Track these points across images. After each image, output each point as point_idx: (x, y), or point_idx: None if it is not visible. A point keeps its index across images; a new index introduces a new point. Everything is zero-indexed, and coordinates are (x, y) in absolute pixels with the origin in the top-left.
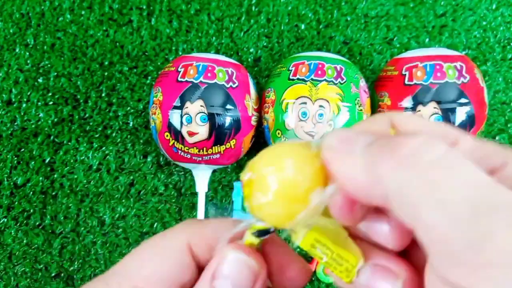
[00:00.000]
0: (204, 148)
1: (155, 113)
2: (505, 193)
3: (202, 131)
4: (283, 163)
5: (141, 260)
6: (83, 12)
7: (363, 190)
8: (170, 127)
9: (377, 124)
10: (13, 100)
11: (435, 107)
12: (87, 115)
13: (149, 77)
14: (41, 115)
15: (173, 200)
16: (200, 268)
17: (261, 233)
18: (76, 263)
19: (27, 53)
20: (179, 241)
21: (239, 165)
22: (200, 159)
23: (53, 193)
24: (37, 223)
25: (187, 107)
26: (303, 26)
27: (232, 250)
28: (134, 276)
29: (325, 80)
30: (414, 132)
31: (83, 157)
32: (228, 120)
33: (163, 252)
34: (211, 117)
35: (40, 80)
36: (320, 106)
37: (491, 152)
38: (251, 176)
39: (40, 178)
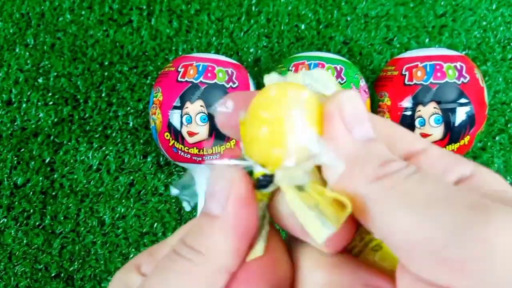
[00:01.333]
0: (204, 148)
1: (155, 113)
2: (477, 195)
3: (202, 131)
4: (276, 105)
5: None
6: (83, 12)
7: (342, 180)
8: (170, 127)
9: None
10: (13, 100)
11: (435, 107)
12: (87, 115)
13: (149, 77)
14: (41, 115)
15: (173, 200)
16: None
17: (262, 183)
18: (76, 263)
19: (27, 53)
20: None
21: None
22: (200, 159)
23: (53, 193)
24: (37, 223)
25: (187, 107)
26: (303, 26)
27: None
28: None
29: None
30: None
31: (83, 157)
32: None
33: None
34: (211, 117)
35: (40, 80)
36: None
37: (459, 162)
38: (246, 116)
39: (40, 178)
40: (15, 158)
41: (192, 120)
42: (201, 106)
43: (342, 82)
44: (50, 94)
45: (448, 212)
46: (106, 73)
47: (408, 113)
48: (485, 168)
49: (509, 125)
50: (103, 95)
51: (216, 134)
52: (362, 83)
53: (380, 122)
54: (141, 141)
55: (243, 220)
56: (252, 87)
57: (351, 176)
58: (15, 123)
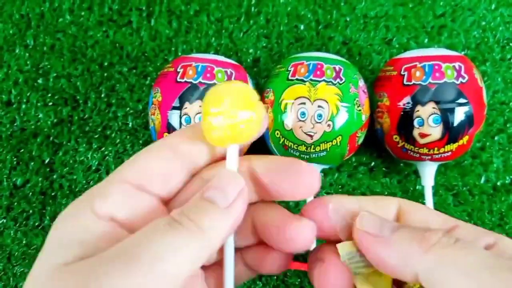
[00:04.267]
0: None
1: (154, 114)
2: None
3: None
4: (224, 101)
5: (133, 158)
6: (82, 13)
7: (395, 269)
8: (169, 127)
9: (386, 209)
10: (13, 101)
11: (433, 107)
12: (86, 115)
13: (149, 78)
14: (40, 115)
15: None
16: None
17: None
18: None
19: (27, 54)
20: (168, 142)
21: None
22: None
23: (53, 194)
24: (37, 224)
25: (186, 108)
26: (302, 27)
27: (223, 167)
28: (122, 170)
29: (324, 80)
30: (421, 222)
31: (83, 158)
32: None
33: (152, 149)
34: None
35: (39, 81)
36: (319, 106)
37: (485, 233)
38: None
39: (40, 179)
40: (15, 159)
41: (191, 120)
42: (200, 106)
43: (341, 82)
44: (49, 94)
45: (497, 277)
46: (105, 74)
47: (407, 113)
48: (505, 236)
49: (508, 125)
50: (102, 95)
51: None
52: (361, 83)
53: (415, 210)
54: (141, 141)
55: (239, 219)
56: (251, 87)
57: (402, 257)
58: (15, 124)
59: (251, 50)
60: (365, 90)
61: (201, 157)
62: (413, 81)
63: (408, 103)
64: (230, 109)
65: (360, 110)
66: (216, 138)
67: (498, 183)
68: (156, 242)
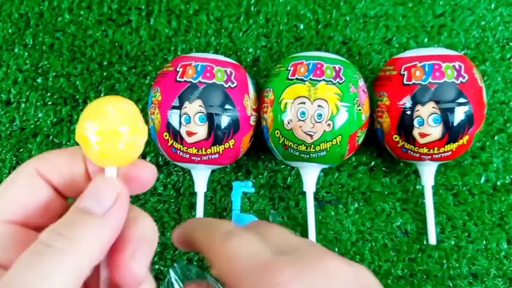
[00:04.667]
0: (203, 148)
1: (153, 113)
2: None
3: (201, 131)
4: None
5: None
6: (82, 12)
7: None
8: (168, 127)
9: None
10: (12, 100)
11: (433, 107)
12: None
13: (148, 77)
14: (40, 115)
15: (172, 200)
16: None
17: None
18: None
19: (26, 53)
20: (26, 169)
21: (238, 165)
22: (199, 159)
23: None
24: None
25: (185, 107)
26: (302, 26)
27: (99, 174)
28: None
29: (323, 80)
30: None
31: None
32: (226, 120)
33: (12, 180)
34: (209, 117)
35: (39, 80)
36: (319, 106)
37: None
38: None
39: None
40: (14, 158)
41: (191, 120)
42: (200, 106)
43: (341, 82)
44: (49, 94)
45: None
46: (105, 73)
47: (407, 112)
48: None
49: (508, 125)
50: (102, 95)
51: (214, 134)
52: (361, 82)
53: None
54: None
55: (119, 226)
56: (250, 87)
57: None
58: (14, 123)
59: (250, 50)
60: (365, 90)
61: (65, 183)
62: (413, 81)
63: (408, 102)
64: (111, 127)
65: (360, 110)
66: (94, 156)
67: (498, 183)
68: (27, 275)
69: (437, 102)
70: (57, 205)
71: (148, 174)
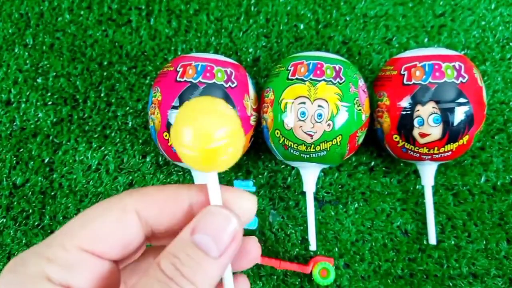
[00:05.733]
0: None
1: (154, 113)
2: None
3: None
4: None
5: (85, 220)
6: (82, 12)
7: None
8: (169, 127)
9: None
10: (12, 100)
11: (433, 107)
12: (86, 115)
13: (148, 77)
14: (40, 115)
15: None
16: (154, 233)
17: None
18: None
19: (26, 53)
20: (123, 203)
21: (238, 165)
22: None
23: (52, 193)
24: (36, 223)
25: None
26: (302, 26)
27: (215, 205)
28: (77, 235)
29: (323, 80)
30: None
31: (82, 157)
32: None
33: (106, 213)
34: None
35: (39, 80)
36: (319, 106)
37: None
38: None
39: (39, 178)
40: (14, 158)
41: None
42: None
43: (341, 81)
44: (49, 94)
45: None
46: (105, 73)
47: (407, 112)
48: None
49: (508, 125)
50: (102, 95)
51: None
52: (361, 82)
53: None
54: (140, 141)
55: (230, 264)
56: (251, 87)
57: None
58: (14, 123)
59: (251, 50)
60: (365, 90)
61: (161, 222)
62: (413, 81)
63: (408, 102)
64: (208, 131)
65: (360, 110)
66: (208, 163)
67: (498, 183)
68: None
69: (437, 102)
70: (140, 242)
71: (257, 250)
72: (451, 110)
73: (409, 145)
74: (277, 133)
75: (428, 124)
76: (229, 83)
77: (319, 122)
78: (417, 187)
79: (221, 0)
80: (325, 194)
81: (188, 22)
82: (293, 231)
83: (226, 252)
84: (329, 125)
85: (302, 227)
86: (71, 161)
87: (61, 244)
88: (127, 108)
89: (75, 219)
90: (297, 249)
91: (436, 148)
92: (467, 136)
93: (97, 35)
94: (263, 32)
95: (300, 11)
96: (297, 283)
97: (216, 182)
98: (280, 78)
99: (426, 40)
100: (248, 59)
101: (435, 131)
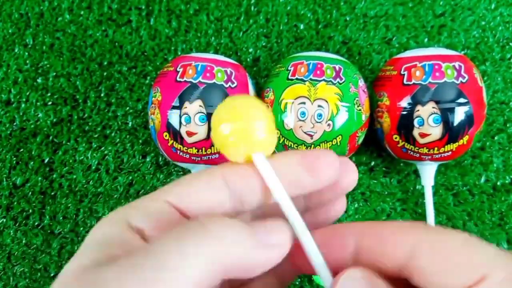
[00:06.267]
0: (203, 148)
1: (153, 113)
2: None
3: (201, 131)
4: (235, 115)
5: (179, 180)
6: (82, 12)
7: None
8: (169, 127)
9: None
10: (12, 100)
11: (433, 107)
12: (86, 115)
13: (148, 77)
14: (40, 115)
15: None
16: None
17: None
18: None
19: (26, 53)
20: (212, 170)
21: None
22: (199, 159)
23: (52, 193)
24: (36, 223)
25: (186, 107)
26: (302, 26)
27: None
28: (167, 190)
29: (323, 80)
30: (439, 269)
31: (82, 157)
32: None
33: (197, 176)
34: (210, 117)
35: (39, 80)
36: (319, 106)
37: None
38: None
39: (39, 178)
40: (14, 158)
41: (191, 120)
42: (200, 106)
43: (341, 82)
44: (49, 94)
45: None
46: (105, 73)
47: (407, 112)
48: None
49: (508, 125)
50: (102, 95)
51: None
52: (361, 82)
53: (437, 248)
54: (140, 141)
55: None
56: (251, 87)
57: None
58: (14, 123)
59: (250, 50)
60: (365, 90)
61: (251, 199)
62: (413, 81)
63: (408, 102)
64: (246, 121)
65: (360, 110)
66: (232, 148)
67: (498, 183)
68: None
69: (437, 102)
70: (226, 210)
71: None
72: (451, 110)
73: (409, 145)
74: (277, 133)
75: (428, 124)
76: (229, 83)
77: (319, 122)
78: (417, 187)
79: (221, 0)
80: None
81: (188, 22)
82: None
83: (288, 243)
84: (329, 125)
85: None
86: (71, 161)
87: (151, 197)
88: (127, 108)
89: (179, 183)
90: None
91: (436, 148)
92: (467, 136)
93: (97, 35)
94: (263, 32)
95: (300, 11)
96: (297, 283)
97: (267, 165)
98: (280, 78)
99: (426, 40)
100: (248, 59)
101: (435, 131)
